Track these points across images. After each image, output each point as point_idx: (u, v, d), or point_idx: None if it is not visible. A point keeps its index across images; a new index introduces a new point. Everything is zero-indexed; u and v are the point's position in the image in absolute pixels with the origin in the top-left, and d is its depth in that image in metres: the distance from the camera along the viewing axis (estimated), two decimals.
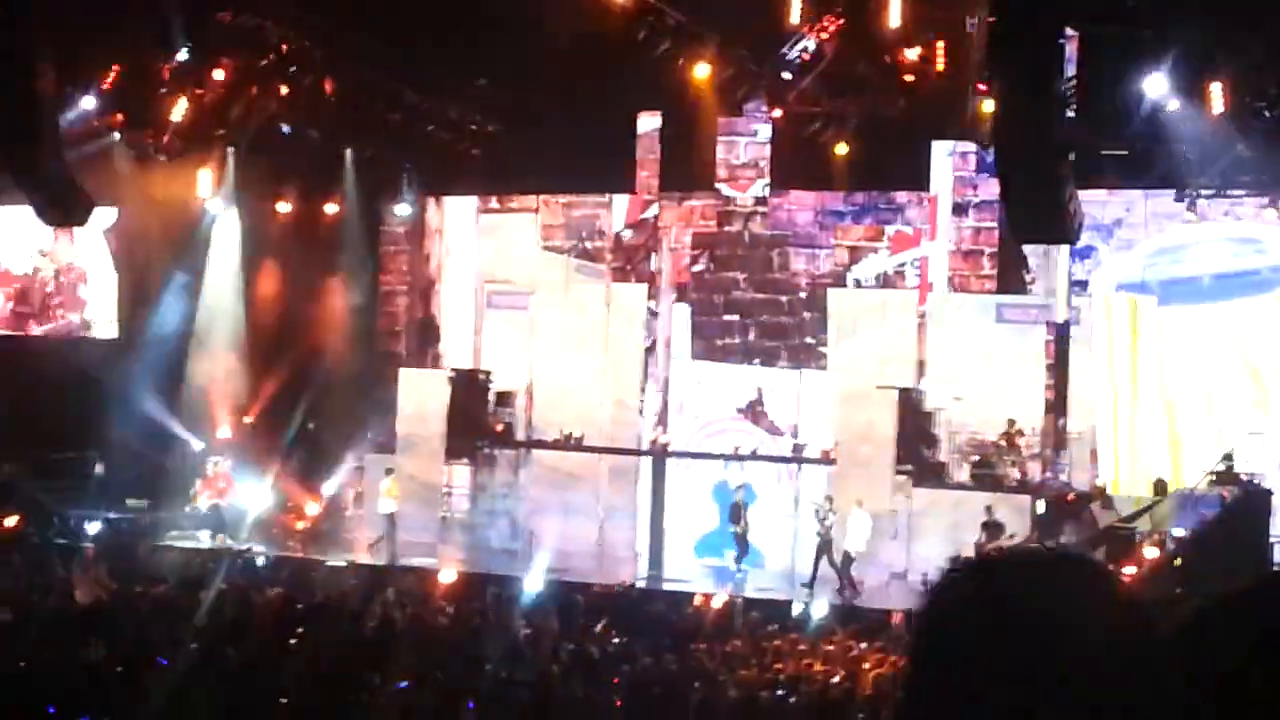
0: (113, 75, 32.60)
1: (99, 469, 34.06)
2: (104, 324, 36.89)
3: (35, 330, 37.63)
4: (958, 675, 2.08)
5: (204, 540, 31.09)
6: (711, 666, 20.33)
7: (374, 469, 32.83)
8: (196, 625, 21.74)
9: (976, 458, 29.05)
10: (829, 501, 28.69)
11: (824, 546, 28.40)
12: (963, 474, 29.24)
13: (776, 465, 31.34)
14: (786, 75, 29.93)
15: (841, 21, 28.94)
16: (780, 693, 18.64)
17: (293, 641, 21.52)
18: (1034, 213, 24.10)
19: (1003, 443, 29.04)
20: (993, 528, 26.84)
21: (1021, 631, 2.06)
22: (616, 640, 22.56)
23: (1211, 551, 24.74)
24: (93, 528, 31.05)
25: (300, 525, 32.53)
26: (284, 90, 32.97)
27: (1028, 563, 2.23)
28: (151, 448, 34.22)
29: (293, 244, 36.18)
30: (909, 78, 29.41)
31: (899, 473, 28.79)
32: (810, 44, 29.19)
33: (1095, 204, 29.47)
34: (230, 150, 35.38)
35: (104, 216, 34.47)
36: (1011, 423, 29.05)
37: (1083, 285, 31.10)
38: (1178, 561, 25.14)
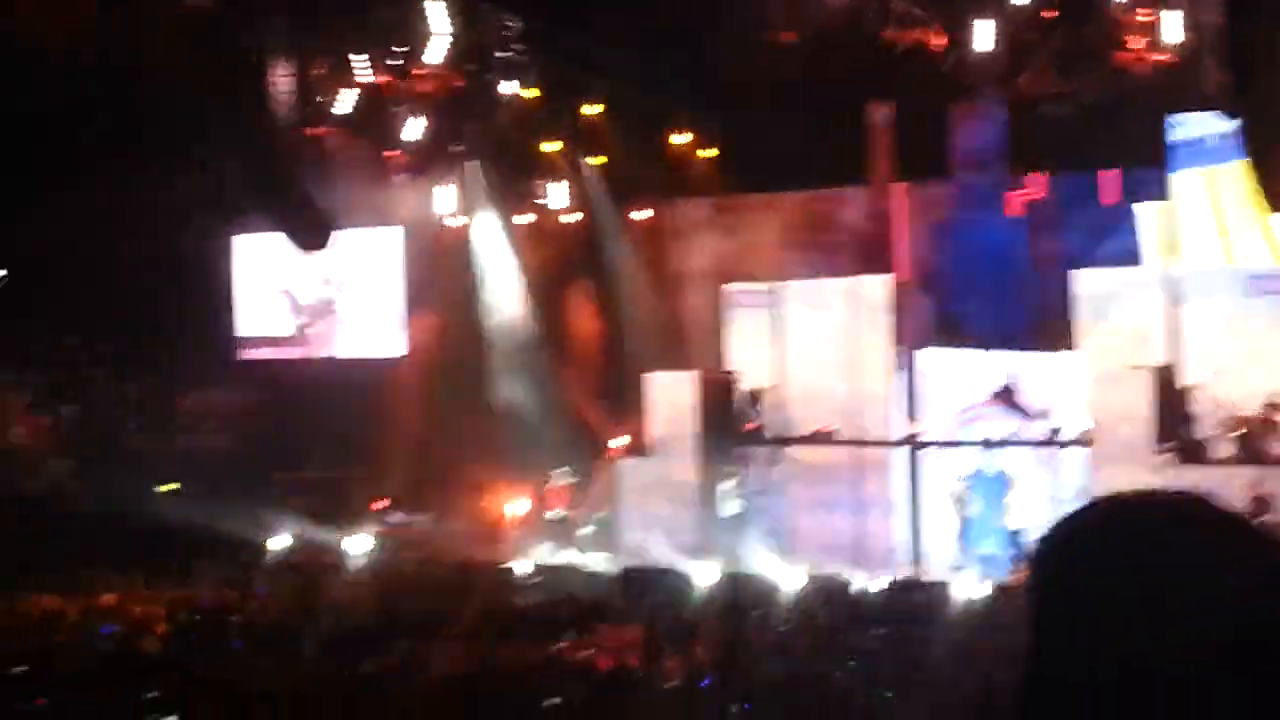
0: (351, 98, 33.25)
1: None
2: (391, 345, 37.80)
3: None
4: (1076, 612, 2.08)
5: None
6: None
7: (628, 473, 33.04)
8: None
9: (1240, 432, 28.50)
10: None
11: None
12: (1224, 450, 28.71)
13: (1034, 450, 31.03)
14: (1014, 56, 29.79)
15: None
16: None
17: (560, 646, 21.89)
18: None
19: (1265, 416, 28.48)
20: (1261, 502, 26.38)
21: (1139, 569, 2.06)
22: (881, 633, 22.59)
23: None
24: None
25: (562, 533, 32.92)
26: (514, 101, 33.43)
27: (1148, 504, 2.23)
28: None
29: (534, 255, 36.72)
30: (1140, 50, 29.07)
31: (1160, 452, 28.39)
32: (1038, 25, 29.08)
33: None
34: (477, 165, 35.95)
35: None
36: (1271, 395, 28.49)
37: None
38: None
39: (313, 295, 38.51)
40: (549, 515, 32.90)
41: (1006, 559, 28.88)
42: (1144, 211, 31.41)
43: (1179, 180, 30.30)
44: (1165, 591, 2.02)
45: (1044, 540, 2.23)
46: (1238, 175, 28.95)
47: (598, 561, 31.05)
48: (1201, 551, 2.07)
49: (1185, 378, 29.31)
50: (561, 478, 33.52)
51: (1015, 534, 29.25)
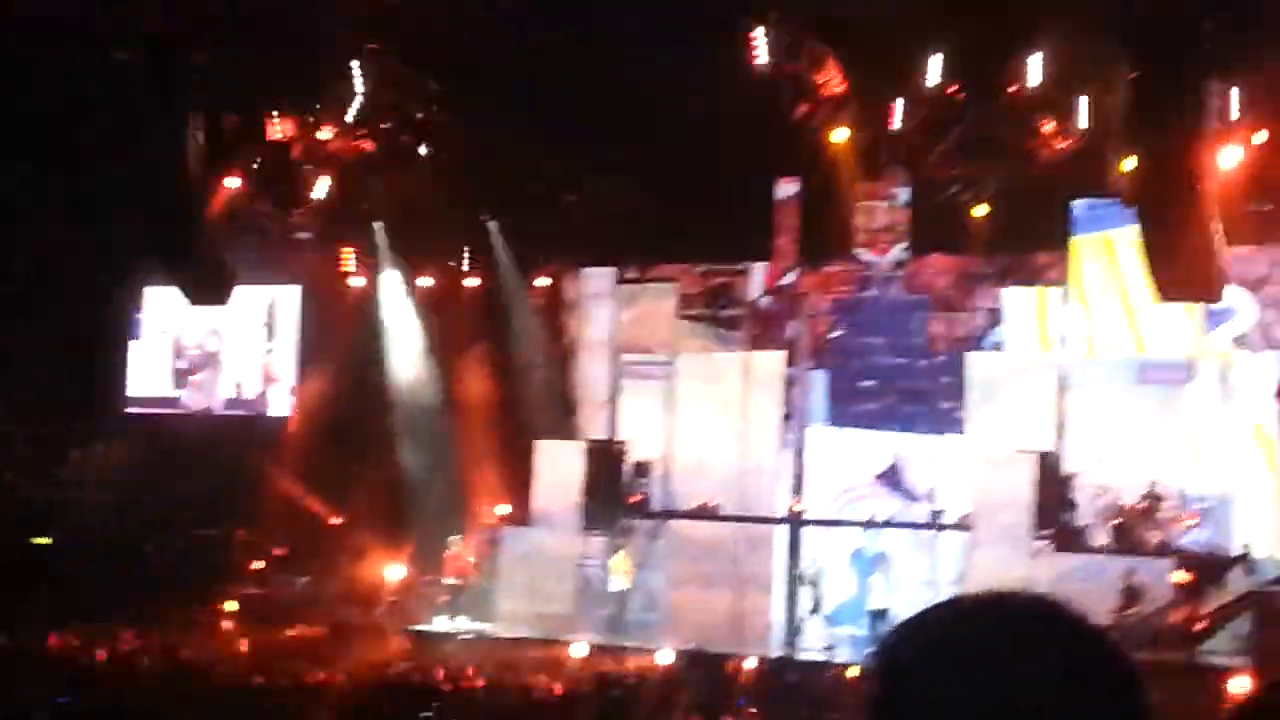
0: (258, 156, 33.00)
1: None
2: (278, 403, 37.49)
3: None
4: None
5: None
6: None
7: (509, 542, 32.87)
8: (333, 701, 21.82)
9: (1117, 522, 28.50)
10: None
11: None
12: (1102, 538, 28.71)
13: (913, 533, 30.97)
14: (925, 137, 29.86)
15: (979, 83, 28.78)
16: None
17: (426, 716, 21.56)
18: (1178, 270, 23.73)
19: (1143, 506, 28.49)
20: (1131, 593, 26.35)
21: (970, 680, 1.94)
22: (754, 712, 22.38)
23: None
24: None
25: (438, 599, 32.56)
26: (424, 163, 33.26)
27: (983, 608, 2.08)
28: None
29: (435, 318, 36.55)
30: (1048, 137, 29.14)
31: (1037, 538, 28.35)
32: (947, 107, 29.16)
33: (1241, 260, 28.90)
34: (377, 226, 35.77)
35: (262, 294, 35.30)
36: (1152, 485, 28.50)
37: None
38: None
39: (200, 347, 38.25)
40: (446, 581, 32.51)
41: (868, 641, 28.71)
42: (1016, 297, 31.64)
43: (1081, 244, 30.46)
44: (999, 712, 1.92)
45: (882, 646, 2.10)
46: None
47: (471, 631, 30.79)
48: (1044, 671, 1.96)
49: (1068, 464, 29.32)
50: (459, 544, 33.16)
51: (879, 615, 29.00)
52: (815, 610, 30.24)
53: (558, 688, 24.08)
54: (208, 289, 30.55)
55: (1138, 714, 1.99)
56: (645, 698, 23.90)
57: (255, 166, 33.17)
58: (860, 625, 29.94)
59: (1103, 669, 2.01)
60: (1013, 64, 28.29)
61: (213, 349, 38.33)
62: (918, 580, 30.18)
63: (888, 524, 31.04)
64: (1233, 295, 28.15)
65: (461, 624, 31.11)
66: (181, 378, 38.59)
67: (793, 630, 30.52)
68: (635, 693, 24.19)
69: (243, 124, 32.45)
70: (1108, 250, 30.32)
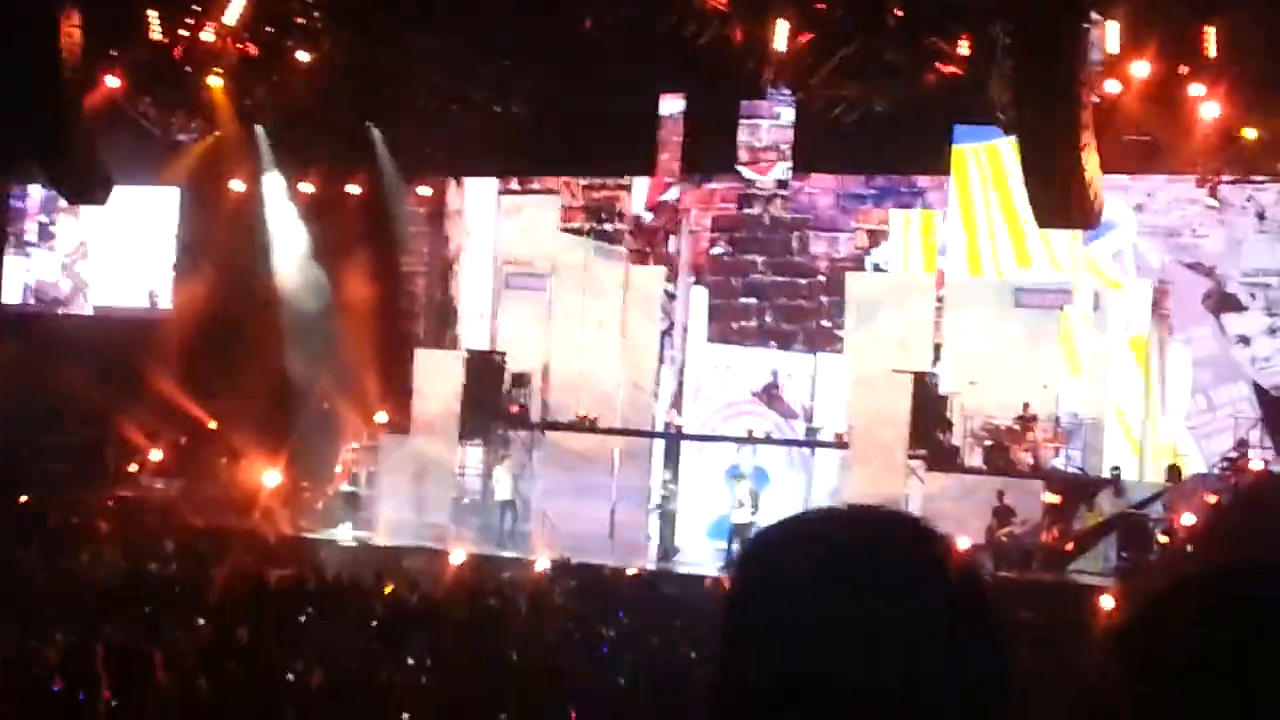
0: (138, 55, 32.58)
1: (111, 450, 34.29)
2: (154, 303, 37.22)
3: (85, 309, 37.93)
4: (761, 625, 1.98)
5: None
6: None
7: (389, 450, 32.92)
8: (208, 605, 21.74)
9: (990, 442, 28.90)
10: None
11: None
12: (976, 459, 29.11)
13: (789, 449, 31.26)
14: (809, 58, 29.93)
15: (866, 4, 28.86)
16: None
17: (302, 620, 21.55)
18: (1056, 197, 24.04)
19: (1016, 427, 28.90)
20: (1003, 513, 26.77)
21: (826, 589, 1.96)
22: (627, 623, 22.51)
23: (1224, 540, 24.57)
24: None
25: (317, 505, 32.53)
26: (308, 69, 32.93)
27: (835, 520, 2.09)
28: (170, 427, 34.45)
29: (315, 225, 36.27)
30: (931, 62, 29.32)
31: (912, 457, 28.70)
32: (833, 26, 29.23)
33: (1116, 189, 29.32)
34: (259, 130, 35.41)
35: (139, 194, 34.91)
36: (1026, 407, 28.90)
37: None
38: (1189, 549, 24.98)
39: (78, 248, 37.88)
40: (342, 488, 32.50)
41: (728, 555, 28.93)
42: (901, 218, 31.92)
43: (959, 154, 30.77)
44: (848, 613, 1.92)
45: (744, 550, 2.10)
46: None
47: (348, 537, 30.81)
48: (888, 577, 1.96)
49: (944, 385, 29.69)
50: (354, 452, 33.12)
51: (742, 529, 29.15)
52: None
53: (434, 595, 24.20)
54: (86, 189, 30.27)
55: (988, 629, 1.99)
56: (520, 606, 24.04)
57: (136, 66, 32.77)
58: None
59: (942, 577, 2.00)
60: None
61: (90, 248, 37.94)
62: (793, 497, 30.52)
63: (764, 440, 31.30)
64: (1116, 210, 28.59)
65: (344, 532, 31.08)
66: (59, 277, 38.21)
67: (668, 544, 30.78)
68: (511, 601, 24.33)
69: (121, 22, 32.02)
70: (992, 161, 30.65)
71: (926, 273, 31.63)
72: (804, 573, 1.97)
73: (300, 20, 32.24)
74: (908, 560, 2.00)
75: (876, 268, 32.30)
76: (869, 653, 1.91)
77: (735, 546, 28.87)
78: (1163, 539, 25.94)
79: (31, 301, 38.39)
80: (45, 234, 38.28)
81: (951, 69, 29.15)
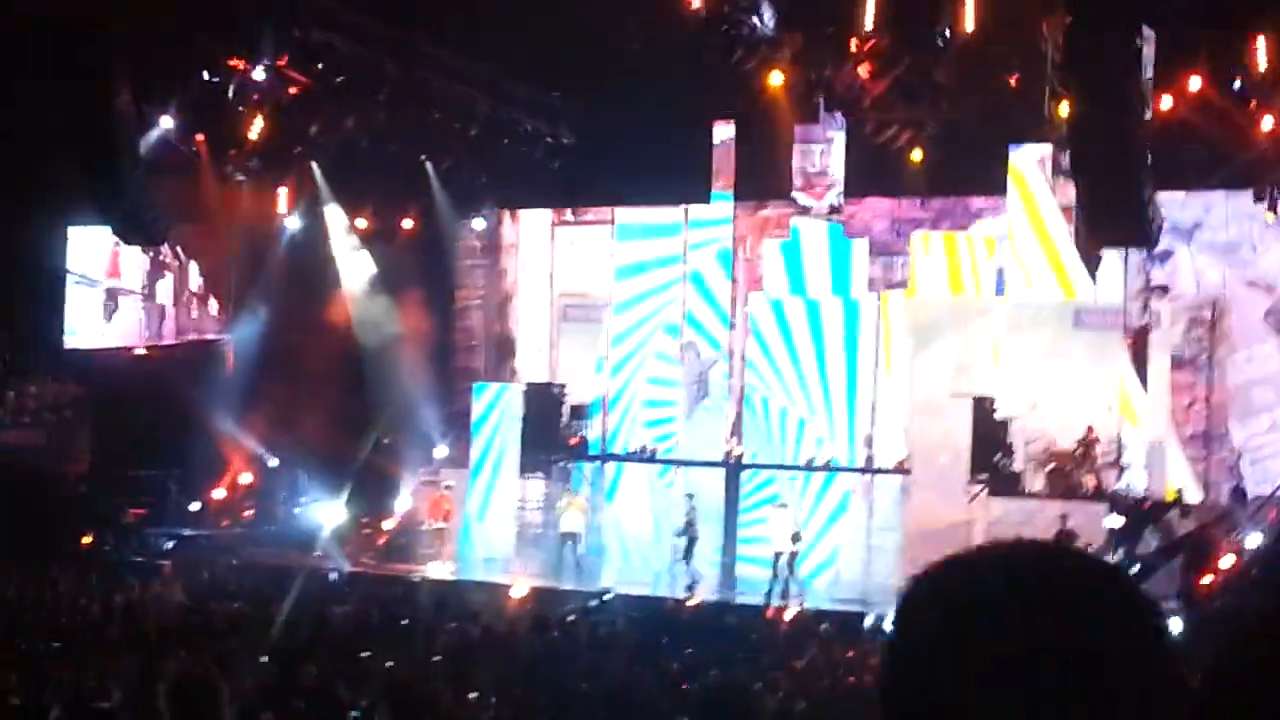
0: (191, 95, 32.75)
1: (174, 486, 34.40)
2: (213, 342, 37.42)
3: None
4: (930, 673, 1.98)
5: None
6: (783, 679, 20.13)
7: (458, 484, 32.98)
8: (271, 641, 21.70)
9: (1052, 466, 28.71)
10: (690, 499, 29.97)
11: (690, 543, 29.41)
12: (1038, 483, 28.92)
13: (850, 476, 31.13)
14: (862, 81, 29.90)
15: (917, 28, 28.82)
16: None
17: (365, 656, 21.49)
18: (1111, 215, 23.91)
19: (1078, 450, 28.71)
20: (1067, 537, 26.55)
21: (994, 629, 1.95)
22: (689, 652, 22.40)
23: None
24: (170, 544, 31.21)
25: (377, 541, 32.54)
26: (360, 104, 33.05)
27: (1005, 558, 2.07)
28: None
29: (373, 259, 36.42)
30: (986, 82, 29.26)
31: (973, 482, 28.53)
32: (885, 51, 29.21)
33: (1174, 205, 29.18)
34: (314, 165, 35.54)
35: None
36: (1089, 430, 28.70)
37: (1163, 290, 30.70)
38: (1254, 571, 24.79)
39: (136, 288, 38.05)
40: (427, 525, 32.34)
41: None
42: (921, 240, 31.79)
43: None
44: (1029, 654, 1.92)
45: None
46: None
47: (422, 572, 30.74)
48: (1073, 613, 1.95)
49: (1003, 409, 29.50)
50: (444, 487, 32.88)
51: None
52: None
53: (497, 627, 24.16)
54: (141, 228, 30.38)
55: (1164, 645, 1.99)
56: (583, 638, 23.99)
57: (188, 105, 32.96)
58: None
59: (1131, 607, 2.00)
60: (949, 8, 28.33)
61: (146, 289, 38.11)
62: (853, 525, 30.50)
63: (826, 468, 31.17)
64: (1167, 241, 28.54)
65: (437, 569, 30.97)
66: (115, 317, 38.40)
67: (728, 574, 30.69)
68: (575, 633, 24.28)
69: (174, 62, 32.19)
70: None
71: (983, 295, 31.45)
72: (989, 610, 1.96)
73: (350, 55, 32.31)
74: (1090, 590, 1.99)
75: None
76: (1062, 681, 1.91)
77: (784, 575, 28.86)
78: (1226, 561, 25.70)
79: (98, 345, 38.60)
80: (100, 274, 38.43)
81: (1005, 88, 29.11)
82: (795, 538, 29.01)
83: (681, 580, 29.32)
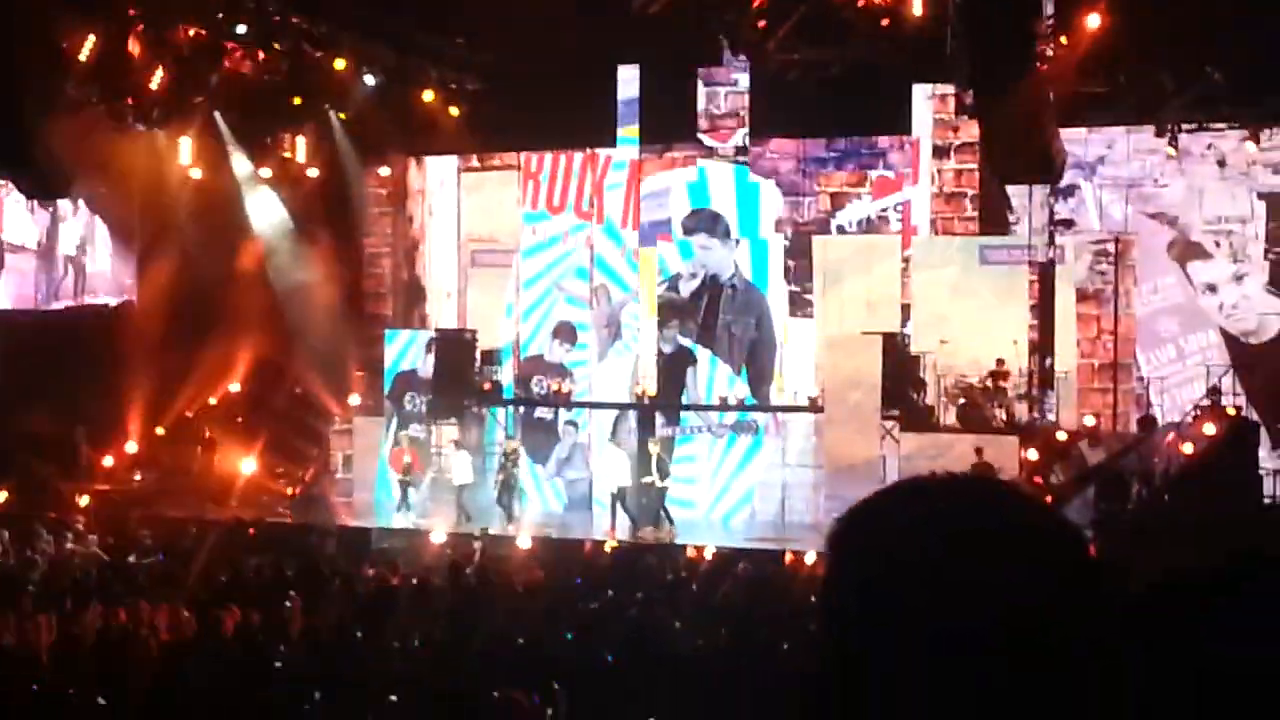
0: (90, 47, 32.40)
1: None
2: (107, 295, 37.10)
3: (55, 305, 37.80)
4: (867, 601, 2.00)
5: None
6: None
7: (363, 431, 32.92)
8: (190, 594, 21.71)
9: (963, 400, 29.00)
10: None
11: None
12: (950, 417, 29.20)
13: (764, 415, 31.34)
14: (763, 22, 29.93)
15: None
16: None
17: (287, 606, 21.52)
18: (1015, 152, 24.13)
19: (989, 384, 28.99)
20: (981, 470, 26.80)
21: (946, 551, 1.97)
22: (610, 594, 22.52)
23: (1202, 486, 24.75)
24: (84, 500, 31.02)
25: (290, 490, 32.49)
26: (261, 54, 32.82)
27: (928, 488, 2.09)
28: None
29: (276, 209, 36.20)
30: (886, 22, 29.35)
31: (886, 418, 28.77)
32: None
33: (1076, 142, 29.48)
34: (218, 116, 35.25)
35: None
36: (999, 363, 28.98)
37: (1067, 224, 31.01)
38: (1167, 497, 25.16)
39: (38, 242, 37.73)
40: (398, 477, 32.01)
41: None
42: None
43: None
44: (973, 573, 1.95)
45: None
46: None
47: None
48: (1005, 538, 1.98)
49: (916, 345, 29.77)
50: (406, 439, 32.64)
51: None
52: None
53: (416, 575, 24.22)
54: (46, 184, 30.13)
55: (1090, 570, 2.02)
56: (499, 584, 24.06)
57: (89, 57, 32.61)
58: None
59: (1059, 536, 2.03)
60: None
61: (50, 243, 37.80)
62: (769, 464, 30.75)
63: (740, 407, 31.38)
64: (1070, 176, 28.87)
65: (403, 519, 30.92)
66: (17, 274, 38.10)
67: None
68: (492, 579, 24.36)
69: (77, 17, 31.87)
70: None
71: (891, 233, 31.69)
72: (920, 540, 1.98)
73: (252, 4, 32.06)
74: (1021, 521, 2.02)
75: (841, 230, 32.31)
76: (994, 610, 1.94)
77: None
78: (1139, 490, 26.07)
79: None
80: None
81: (906, 27, 29.21)
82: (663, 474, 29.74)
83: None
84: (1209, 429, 26.88)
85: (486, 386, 32.26)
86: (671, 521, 29.40)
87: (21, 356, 34.53)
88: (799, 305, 32.11)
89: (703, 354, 32.34)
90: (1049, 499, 26.56)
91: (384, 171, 36.61)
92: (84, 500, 30.89)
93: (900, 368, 29.20)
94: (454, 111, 34.15)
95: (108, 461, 33.79)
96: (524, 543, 26.92)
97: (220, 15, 31.80)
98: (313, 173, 36.10)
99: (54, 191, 30.53)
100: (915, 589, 1.96)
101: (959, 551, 1.96)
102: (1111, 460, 27.25)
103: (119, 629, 19.36)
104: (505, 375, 33.00)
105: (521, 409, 33.16)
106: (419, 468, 31.99)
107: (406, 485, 31.59)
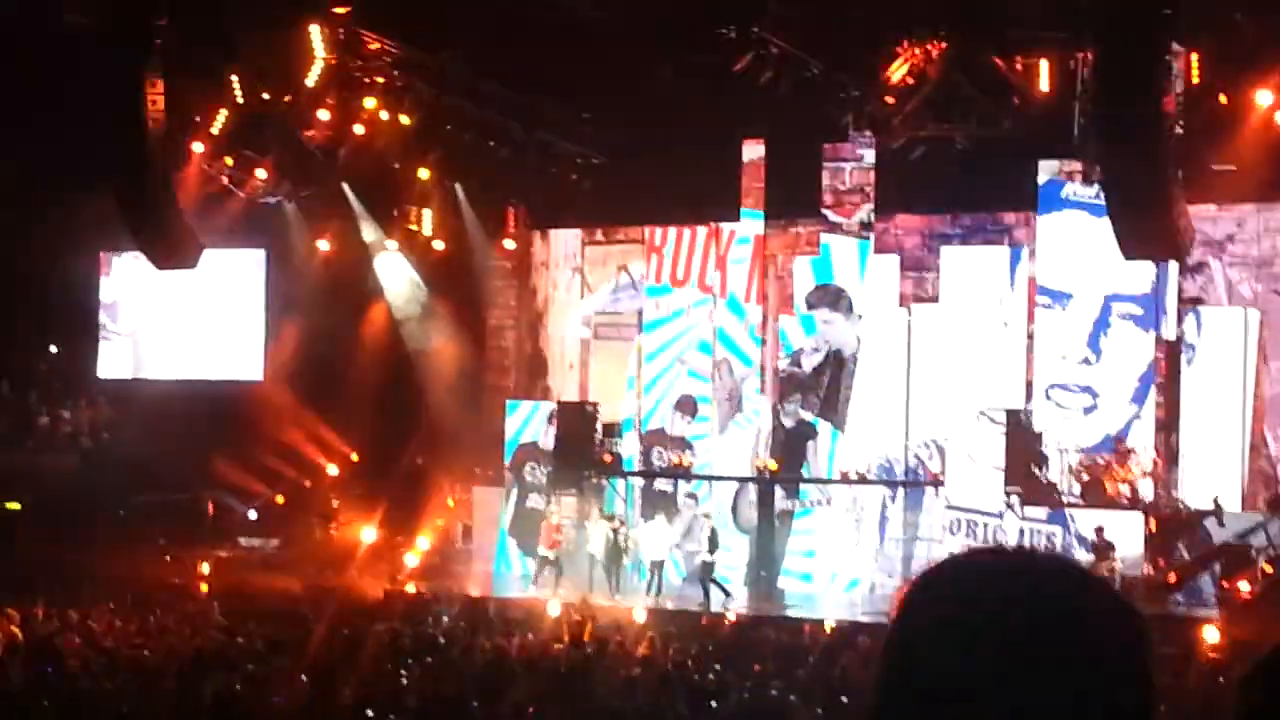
0: (222, 120, 32.88)
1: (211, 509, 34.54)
2: (248, 367, 37.41)
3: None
4: (925, 680, 2.04)
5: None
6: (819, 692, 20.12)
7: (483, 502, 33.01)
8: (308, 661, 21.75)
9: (1087, 476, 28.67)
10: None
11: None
12: (1073, 492, 28.90)
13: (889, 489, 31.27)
14: (890, 99, 29.93)
15: (945, 45, 28.86)
16: None
17: (403, 675, 21.56)
18: (1142, 229, 23.90)
19: (1112, 460, 28.67)
20: (1103, 548, 26.51)
21: (991, 632, 2.01)
22: (720, 668, 22.40)
23: None
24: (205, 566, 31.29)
25: (410, 560, 32.57)
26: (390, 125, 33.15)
27: (995, 565, 2.16)
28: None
29: (403, 280, 36.57)
30: (1015, 99, 29.29)
31: (1008, 492, 28.51)
32: (912, 67, 29.24)
33: (1206, 220, 29.16)
34: (346, 187, 35.67)
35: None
36: (1120, 440, 28.67)
37: (1195, 301, 30.66)
38: None
39: (171, 314, 38.16)
40: (542, 553, 31.65)
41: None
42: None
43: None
44: (1018, 647, 1.99)
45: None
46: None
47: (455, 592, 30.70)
48: (1063, 624, 2.03)
49: (1038, 421, 29.51)
50: (555, 514, 32.49)
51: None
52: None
53: (532, 644, 24.18)
54: (175, 254, 30.44)
55: (1149, 663, 2.06)
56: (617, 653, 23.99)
57: (219, 129, 33.08)
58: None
59: (1119, 622, 2.07)
60: (981, 24, 28.39)
61: (182, 313, 38.22)
62: (895, 536, 30.64)
63: (864, 480, 31.22)
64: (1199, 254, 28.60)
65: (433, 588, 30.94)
66: (151, 344, 38.57)
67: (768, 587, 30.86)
68: (609, 649, 24.29)
69: (206, 90, 32.34)
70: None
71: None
72: (975, 612, 2.03)
73: (380, 79, 32.41)
74: (1072, 602, 2.06)
75: None
76: (1037, 685, 1.97)
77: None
78: (1267, 568, 25.67)
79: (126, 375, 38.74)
80: (136, 301, 38.63)
81: (1033, 105, 29.13)
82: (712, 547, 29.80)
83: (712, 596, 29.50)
84: None
85: (607, 458, 32.24)
86: (728, 594, 29.46)
87: (147, 425, 34.99)
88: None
89: (824, 427, 32.24)
90: (1172, 576, 26.28)
91: (509, 244, 36.80)
92: (205, 567, 31.15)
93: (1023, 443, 28.89)
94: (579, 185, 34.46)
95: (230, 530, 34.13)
96: (640, 614, 26.83)
97: (348, 90, 32.14)
98: (439, 245, 36.40)
99: (183, 261, 30.79)
100: (962, 668, 2.00)
101: (1006, 608, 2.02)
102: (1238, 539, 26.86)
103: (237, 696, 19.46)
104: (626, 447, 32.96)
105: (642, 481, 33.14)
106: (560, 544, 31.81)
107: (547, 562, 31.29)
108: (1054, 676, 1.97)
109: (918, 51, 29.19)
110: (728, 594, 29.42)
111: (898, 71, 29.40)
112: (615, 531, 30.60)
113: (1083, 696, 1.97)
